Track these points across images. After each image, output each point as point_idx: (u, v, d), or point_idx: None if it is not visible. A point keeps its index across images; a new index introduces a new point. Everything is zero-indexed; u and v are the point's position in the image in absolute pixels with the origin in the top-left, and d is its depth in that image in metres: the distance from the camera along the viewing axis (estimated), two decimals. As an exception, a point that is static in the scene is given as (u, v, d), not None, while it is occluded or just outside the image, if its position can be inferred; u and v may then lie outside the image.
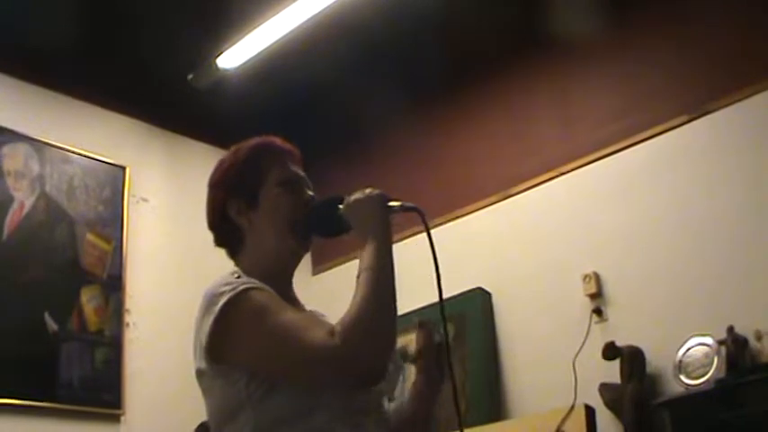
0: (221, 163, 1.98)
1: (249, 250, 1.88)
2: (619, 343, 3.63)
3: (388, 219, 1.75)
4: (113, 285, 4.25)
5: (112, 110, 4.57)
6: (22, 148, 4.10)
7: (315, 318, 1.75)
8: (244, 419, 1.68)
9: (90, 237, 4.24)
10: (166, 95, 4.60)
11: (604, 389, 3.65)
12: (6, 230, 3.93)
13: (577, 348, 3.76)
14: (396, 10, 4.24)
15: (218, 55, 4.28)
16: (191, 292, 4.53)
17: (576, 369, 3.71)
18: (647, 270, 3.79)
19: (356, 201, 1.76)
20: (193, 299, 4.91)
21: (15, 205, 4.00)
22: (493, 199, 4.39)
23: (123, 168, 4.46)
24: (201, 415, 3.71)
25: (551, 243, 4.12)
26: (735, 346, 3.34)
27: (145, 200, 4.56)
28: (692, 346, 3.45)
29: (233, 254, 1.94)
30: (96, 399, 4.01)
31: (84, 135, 4.38)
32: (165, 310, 4.45)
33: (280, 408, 1.66)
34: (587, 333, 3.81)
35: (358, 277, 1.68)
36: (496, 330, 4.09)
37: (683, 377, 3.43)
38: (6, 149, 4.04)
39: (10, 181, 4.01)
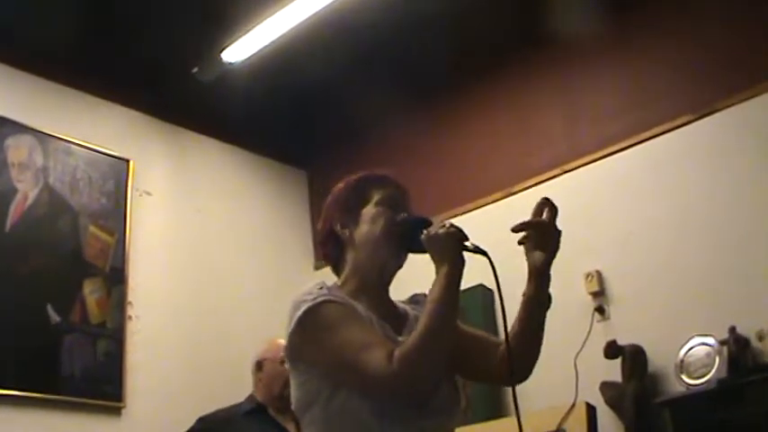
0: (334, 191, 2.15)
1: (347, 263, 2.05)
2: (620, 342, 3.63)
3: (461, 255, 1.90)
4: (116, 278, 4.25)
5: (117, 103, 4.57)
6: (26, 140, 4.10)
7: (378, 336, 1.88)
8: (315, 413, 1.88)
9: (93, 229, 4.24)
10: (171, 89, 4.60)
11: (605, 387, 3.65)
12: (9, 222, 3.94)
13: (579, 346, 3.75)
14: (400, 6, 4.23)
15: (223, 49, 4.29)
16: (193, 285, 4.61)
17: (578, 367, 3.70)
18: (649, 269, 3.79)
19: (435, 235, 1.91)
20: (195, 292, 4.95)
21: (19, 197, 4.01)
22: (496, 196, 4.39)
23: (127, 161, 4.46)
24: (201, 408, 3.73)
25: (554, 241, 4.12)
26: (736, 346, 3.34)
27: (148, 193, 4.56)
28: (694, 346, 3.45)
29: (335, 269, 2.11)
30: (97, 391, 4.01)
31: (88, 128, 4.38)
32: (166, 303, 4.46)
33: (344, 408, 1.83)
34: (589, 331, 3.80)
35: (426, 306, 1.84)
36: (498, 327, 4.09)
37: (684, 377, 3.43)
38: (11, 141, 4.04)
39: (14, 172, 4.01)
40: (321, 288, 1.92)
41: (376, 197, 2.05)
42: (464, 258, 1.89)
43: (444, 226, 1.92)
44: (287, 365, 1.97)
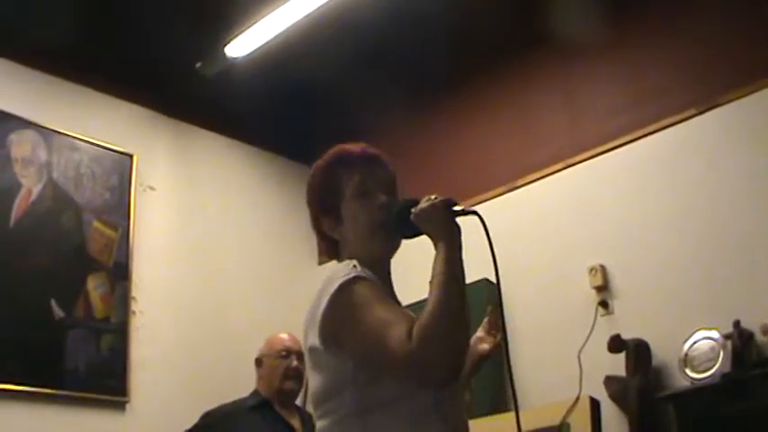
0: (309, 184, 2.11)
1: (345, 256, 2.01)
2: (624, 336, 3.63)
3: (454, 223, 1.85)
4: (120, 273, 4.25)
5: (120, 98, 4.56)
6: (29, 136, 4.10)
7: (402, 313, 1.83)
8: (346, 398, 1.81)
9: (97, 224, 4.25)
10: (174, 84, 4.60)
11: (609, 381, 3.66)
12: (13, 217, 3.94)
13: (583, 341, 3.76)
14: (403, 3, 4.23)
15: (227, 44, 4.28)
16: (196, 280, 4.62)
17: (582, 361, 3.71)
18: (653, 263, 3.79)
19: (422, 210, 1.87)
20: (199, 287, 4.95)
21: (23, 192, 4.01)
22: (500, 190, 4.39)
23: (130, 156, 4.46)
24: (205, 403, 3.74)
25: (558, 235, 4.12)
26: (741, 340, 3.34)
27: (152, 188, 4.56)
28: (698, 340, 3.45)
29: (336, 258, 2.07)
30: (102, 386, 4.02)
31: (91, 123, 4.38)
32: (170, 298, 4.46)
33: (379, 392, 1.79)
34: (593, 325, 3.80)
35: (431, 282, 1.79)
36: (503, 323, 4.09)
37: (688, 371, 3.43)
38: (14, 136, 4.04)
39: (17, 168, 4.02)
40: (354, 266, 1.88)
41: (348, 188, 2.01)
42: (458, 226, 1.85)
43: (429, 199, 1.88)
44: (316, 346, 1.86)
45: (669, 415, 3.44)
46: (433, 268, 1.80)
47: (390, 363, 1.73)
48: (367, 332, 1.77)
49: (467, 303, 1.79)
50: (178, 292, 4.51)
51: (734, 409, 3.22)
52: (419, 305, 1.77)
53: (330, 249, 2.07)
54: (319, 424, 1.87)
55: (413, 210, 1.88)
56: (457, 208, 1.86)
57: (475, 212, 1.87)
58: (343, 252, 2.02)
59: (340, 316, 1.81)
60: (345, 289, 1.81)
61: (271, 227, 5.12)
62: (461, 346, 1.77)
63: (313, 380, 1.91)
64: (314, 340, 1.86)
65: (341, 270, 1.87)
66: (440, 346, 1.69)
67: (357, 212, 1.98)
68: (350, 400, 1.80)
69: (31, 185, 4.05)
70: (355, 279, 1.83)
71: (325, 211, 2.04)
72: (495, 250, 1.89)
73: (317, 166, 2.09)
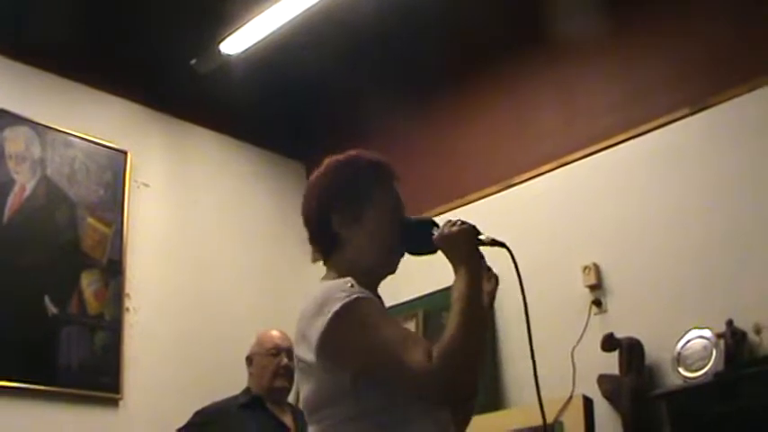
0: (327, 172, 2.06)
1: (345, 258, 1.99)
2: (618, 334, 3.63)
3: (478, 251, 1.91)
4: (113, 269, 4.25)
5: (115, 94, 4.56)
6: (23, 132, 4.09)
7: (414, 335, 1.88)
8: (342, 406, 1.82)
9: (91, 221, 4.24)
10: (169, 80, 4.60)
11: (603, 380, 3.66)
12: (7, 213, 3.93)
13: (576, 339, 3.76)
14: (398, 0, 4.23)
15: (222, 40, 4.28)
16: (190, 277, 4.62)
17: (575, 360, 3.72)
18: (646, 262, 3.79)
19: (450, 233, 1.90)
20: (193, 284, 4.94)
21: (16, 188, 4.00)
22: (493, 189, 4.39)
23: (125, 153, 4.46)
24: (198, 400, 3.74)
25: (552, 234, 4.12)
26: (733, 339, 3.34)
27: (146, 185, 4.55)
28: (691, 339, 3.45)
29: (326, 255, 2.04)
30: (95, 383, 4.01)
31: (85, 119, 4.38)
32: (164, 295, 4.46)
33: (376, 400, 1.80)
34: (586, 324, 3.81)
35: (452, 305, 1.82)
36: (495, 320, 4.10)
37: (681, 370, 3.43)
38: (8, 132, 4.04)
39: (11, 164, 4.01)
40: (352, 285, 1.85)
41: (380, 196, 2.00)
42: (481, 253, 1.90)
43: (455, 224, 1.91)
44: (309, 361, 1.84)
45: (662, 414, 3.45)
46: (455, 290, 1.84)
47: (408, 381, 1.74)
48: (380, 352, 1.77)
49: (486, 327, 1.87)
50: (172, 289, 4.50)
51: (726, 408, 3.22)
52: (418, 303, 1.78)
53: (323, 242, 2.02)
54: (313, 429, 1.88)
55: (436, 232, 1.92)
56: (483, 237, 1.91)
57: (503, 245, 1.93)
58: (345, 250, 1.98)
59: (345, 337, 1.79)
60: (348, 309, 1.79)
61: (264, 224, 5.12)
62: (479, 367, 1.84)
63: (305, 389, 1.90)
64: (306, 355, 1.85)
65: (338, 289, 1.84)
66: (461, 368, 1.74)
67: (384, 224, 1.97)
68: (345, 408, 1.81)
69: (24, 181, 4.04)
70: (358, 300, 1.81)
71: (345, 206, 1.98)
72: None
73: (347, 160, 2.06)
